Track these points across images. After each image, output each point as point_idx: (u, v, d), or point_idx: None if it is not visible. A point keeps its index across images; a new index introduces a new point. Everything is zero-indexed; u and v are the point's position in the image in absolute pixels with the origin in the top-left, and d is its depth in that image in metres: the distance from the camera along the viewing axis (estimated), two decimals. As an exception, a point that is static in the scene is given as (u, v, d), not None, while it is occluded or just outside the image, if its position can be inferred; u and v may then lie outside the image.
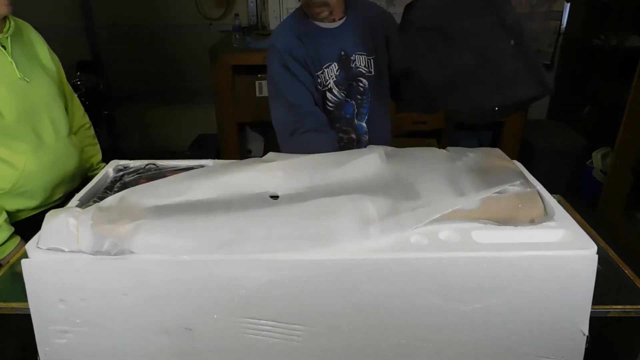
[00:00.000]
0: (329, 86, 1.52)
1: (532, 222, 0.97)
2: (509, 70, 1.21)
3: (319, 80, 1.51)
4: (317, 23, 1.50)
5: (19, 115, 1.33)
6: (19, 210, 1.42)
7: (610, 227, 2.53)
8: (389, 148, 1.26)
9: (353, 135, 1.62)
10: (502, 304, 0.91)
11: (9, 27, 1.33)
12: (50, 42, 1.53)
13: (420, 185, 1.05)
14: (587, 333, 0.93)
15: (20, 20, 1.43)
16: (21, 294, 0.92)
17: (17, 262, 1.04)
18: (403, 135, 3.01)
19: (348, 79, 1.54)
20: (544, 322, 0.93)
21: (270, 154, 1.23)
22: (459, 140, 3.28)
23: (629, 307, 0.98)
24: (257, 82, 2.96)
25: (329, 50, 1.50)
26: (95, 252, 0.88)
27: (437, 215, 0.95)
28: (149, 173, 1.28)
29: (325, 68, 1.51)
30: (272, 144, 3.45)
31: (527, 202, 1.01)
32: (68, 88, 1.60)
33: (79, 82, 3.11)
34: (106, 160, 1.60)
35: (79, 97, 1.73)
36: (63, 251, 0.89)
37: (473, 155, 1.20)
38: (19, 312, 0.98)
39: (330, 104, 1.55)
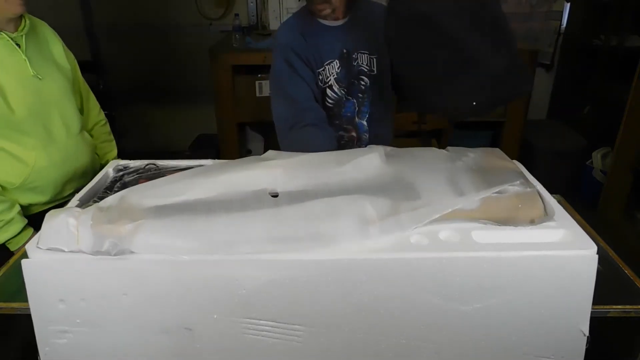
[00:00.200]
0: (329, 83, 1.54)
1: (532, 222, 0.97)
2: (489, 66, 1.21)
3: (320, 77, 1.53)
4: (321, 21, 1.51)
5: (30, 112, 1.36)
6: (30, 205, 1.46)
7: (610, 227, 2.53)
8: (389, 148, 1.26)
9: (353, 134, 1.62)
10: (502, 304, 0.91)
11: (24, 26, 1.37)
12: (50, 41, 1.53)
13: (420, 185, 1.05)
14: (587, 333, 0.93)
15: (36, 19, 1.47)
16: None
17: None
18: (403, 135, 3.02)
19: (349, 76, 1.55)
20: (544, 322, 0.93)
21: (270, 152, 1.23)
22: (458, 140, 3.28)
23: (629, 307, 0.98)
24: (257, 82, 2.96)
25: (331, 48, 1.52)
26: (95, 252, 0.88)
27: (437, 215, 0.95)
28: (149, 173, 1.28)
29: (327, 65, 1.52)
30: (272, 144, 3.44)
31: (527, 202, 1.01)
32: (84, 85, 1.64)
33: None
34: (107, 159, 1.61)
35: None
36: (63, 251, 0.89)
37: (473, 155, 1.20)
38: (19, 312, 0.98)
39: (329, 101, 1.57)
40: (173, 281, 0.91)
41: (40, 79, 1.39)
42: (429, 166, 1.14)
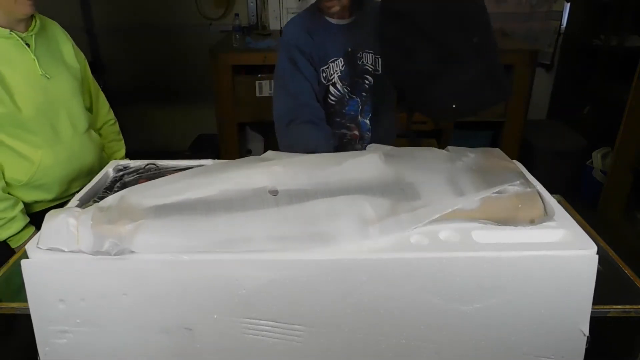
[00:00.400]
0: (332, 80, 1.56)
1: (532, 222, 0.97)
2: (468, 70, 1.22)
3: (324, 75, 1.55)
4: (328, 19, 1.54)
5: (38, 110, 1.38)
6: (36, 202, 1.48)
7: (610, 227, 2.53)
8: (389, 148, 1.26)
9: (356, 132, 1.64)
10: (502, 304, 0.91)
11: (34, 26, 1.39)
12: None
13: (420, 185, 1.05)
14: (587, 333, 0.93)
15: (46, 19, 1.49)
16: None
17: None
18: (403, 135, 3.01)
19: (353, 75, 1.57)
20: (544, 322, 0.93)
21: (269, 153, 1.23)
22: (458, 140, 3.28)
23: (629, 307, 0.98)
24: (257, 82, 2.96)
25: (336, 46, 1.54)
26: (95, 252, 0.88)
27: (437, 215, 0.95)
28: (149, 173, 1.28)
29: (331, 63, 1.55)
30: (272, 144, 3.44)
31: (527, 202, 1.01)
32: (94, 85, 1.66)
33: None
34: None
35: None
36: (63, 251, 0.89)
37: (473, 155, 1.20)
38: (19, 312, 0.98)
39: (332, 98, 1.59)
40: (173, 281, 0.91)
41: (48, 78, 1.40)
42: (429, 166, 1.14)
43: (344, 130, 1.63)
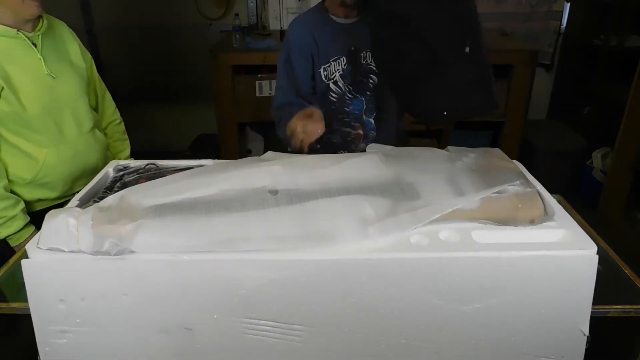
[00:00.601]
0: (334, 79, 1.59)
1: (532, 222, 0.97)
2: (454, 75, 1.23)
3: (325, 73, 1.57)
4: (333, 17, 1.56)
5: (43, 109, 1.39)
6: (39, 200, 1.49)
7: (610, 227, 2.53)
8: (389, 147, 1.27)
9: (360, 131, 1.66)
10: (502, 304, 0.91)
11: (41, 26, 1.41)
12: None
13: (420, 185, 1.05)
14: (587, 333, 0.93)
15: (54, 19, 1.51)
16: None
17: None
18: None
19: (356, 74, 1.59)
20: (544, 322, 0.93)
21: (269, 153, 1.23)
22: (459, 140, 3.28)
23: (629, 307, 0.98)
24: (257, 82, 2.96)
25: (339, 44, 1.55)
26: (95, 252, 0.88)
27: (437, 215, 0.95)
28: (149, 173, 1.28)
29: (333, 61, 1.57)
30: (272, 144, 3.45)
31: (527, 202, 1.01)
32: (100, 85, 1.68)
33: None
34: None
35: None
36: (63, 251, 0.89)
37: (473, 155, 1.20)
38: (19, 312, 0.98)
39: (333, 95, 1.61)
40: (173, 281, 0.91)
41: (54, 77, 1.42)
42: (429, 166, 1.14)
43: (348, 129, 1.65)
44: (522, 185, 1.05)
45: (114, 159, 1.71)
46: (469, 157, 1.19)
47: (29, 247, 0.90)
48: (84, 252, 0.89)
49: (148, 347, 0.96)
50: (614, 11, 3.11)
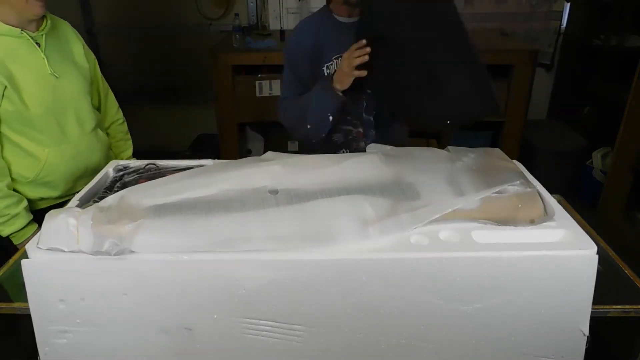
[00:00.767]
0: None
1: (532, 222, 0.97)
2: (455, 86, 1.24)
3: (328, 71, 1.59)
4: (337, 17, 1.59)
5: (46, 109, 1.40)
6: (41, 199, 1.50)
7: (610, 227, 2.53)
8: (389, 147, 1.27)
9: (361, 129, 1.66)
10: (502, 304, 0.91)
11: (45, 26, 1.42)
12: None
13: (420, 185, 1.05)
14: (587, 333, 0.93)
15: (58, 19, 1.52)
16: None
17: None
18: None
19: None
20: (544, 322, 0.93)
21: (269, 154, 1.23)
22: (459, 140, 3.27)
23: (629, 307, 0.98)
24: (257, 82, 2.96)
25: (341, 43, 1.55)
26: (95, 252, 0.88)
27: (437, 215, 0.95)
28: (149, 173, 1.28)
29: (335, 59, 1.58)
30: (272, 144, 3.45)
31: (527, 202, 1.01)
32: (103, 85, 1.70)
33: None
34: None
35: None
36: (63, 251, 0.89)
37: (473, 155, 1.20)
38: (19, 312, 0.98)
39: None
40: (173, 281, 0.91)
41: (57, 77, 1.42)
42: (429, 166, 1.14)
43: (349, 127, 1.65)
44: (522, 185, 1.05)
45: (116, 158, 1.72)
46: (469, 157, 1.19)
47: (29, 247, 0.90)
48: (84, 252, 0.89)
49: (148, 347, 0.96)
50: (614, 11, 3.11)
